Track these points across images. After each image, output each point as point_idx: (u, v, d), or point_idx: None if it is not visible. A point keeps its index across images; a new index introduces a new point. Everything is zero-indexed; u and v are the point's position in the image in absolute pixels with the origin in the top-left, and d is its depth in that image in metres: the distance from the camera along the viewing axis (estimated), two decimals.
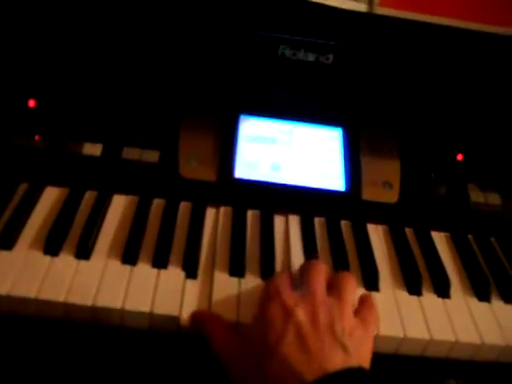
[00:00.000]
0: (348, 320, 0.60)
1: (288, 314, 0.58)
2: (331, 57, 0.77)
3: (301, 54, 0.77)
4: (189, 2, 0.75)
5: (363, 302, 0.65)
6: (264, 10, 0.75)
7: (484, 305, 0.71)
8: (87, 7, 0.75)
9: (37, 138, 0.77)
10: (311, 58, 0.78)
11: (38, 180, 0.76)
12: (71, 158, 0.76)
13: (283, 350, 0.56)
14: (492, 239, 0.81)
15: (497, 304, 0.71)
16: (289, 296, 0.60)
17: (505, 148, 0.84)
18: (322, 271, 0.64)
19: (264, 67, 0.78)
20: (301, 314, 0.58)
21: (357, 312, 0.62)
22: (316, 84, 0.80)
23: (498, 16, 0.77)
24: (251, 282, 0.68)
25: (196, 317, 0.63)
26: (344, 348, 0.56)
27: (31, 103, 0.78)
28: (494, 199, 0.81)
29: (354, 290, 0.64)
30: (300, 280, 0.64)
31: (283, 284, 0.63)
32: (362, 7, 0.76)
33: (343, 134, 0.82)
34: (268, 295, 0.62)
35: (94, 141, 0.77)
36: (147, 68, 0.79)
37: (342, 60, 0.78)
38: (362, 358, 0.58)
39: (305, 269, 0.65)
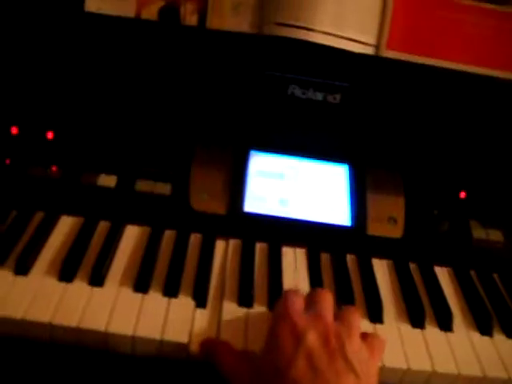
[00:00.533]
0: (357, 345, 0.60)
1: (299, 337, 0.59)
2: (339, 96, 0.80)
3: (309, 94, 0.80)
4: (202, 44, 0.78)
5: (369, 333, 0.66)
6: (275, 52, 0.78)
7: (486, 339, 0.72)
8: (105, 49, 0.79)
9: (53, 168, 0.79)
10: (319, 97, 0.81)
11: (54, 209, 0.78)
12: (86, 188, 0.79)
13: (294, 374, 0.56)
14: (494, 275, 0.82)
15: (499, 338, 0.72)
16: (299, 319, 0.61)
17: (506, 186, 0.86)
18: (329, 299, 0.66)
19: (274, 105, 0.81)
20: (311, 338, 0.59)
21: (363, 339, 0.63)
22: (324, 122, 0.83)
23: (499, 60, 0.80)
24: (259, 312, 0.70)
25: (206, 343, 0.65)
26: (355, 372, 0.57)
27: (49, 135, 0.81)
28: (496, 236, 0.83)
29: (359, 321, 0.65)
30: (308, 305, 0.65)
31: (293, 307, 0.63)
32: (369, 50, 0.79)
33: (349, 171, 0.85)
34: (278, 318, 0.62)
35: (109, 173, 0.80)
36: (162, 104, 0.82)
37: (349, 100, 0.81)
38: (371, 382, 0.59)
39: (313, 296, 0.66)
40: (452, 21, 0.79)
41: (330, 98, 0.80)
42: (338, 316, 0.65)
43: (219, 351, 0.64)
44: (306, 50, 0.77)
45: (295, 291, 0.68)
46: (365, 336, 0.64)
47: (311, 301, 0.66)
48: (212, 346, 0.64)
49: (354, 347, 0.59)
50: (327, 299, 0.66)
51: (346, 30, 0.77)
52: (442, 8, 0.78)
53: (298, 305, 0.64)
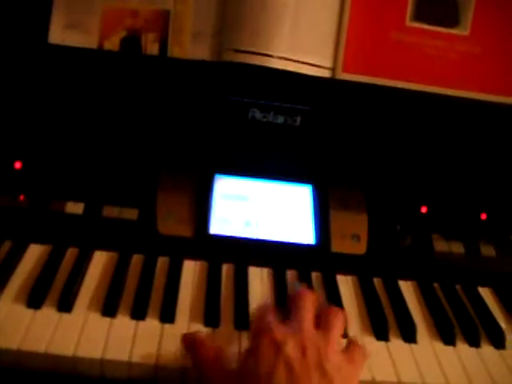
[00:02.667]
0: (336, 356, 0.61)
1: (278, 348, 0.60)
2: (299, 119, 0.83)
3: (270, 117, 0.83)
4: (163, 72, 0.81)
5: (351, 341, 0.67)
6: (235, 77, 0.80)
7: (449, 348, 0.74)
8: (69, 79, 0.80)
9: (21, 197, 0.81)
10: (280, 120, 0.83)
11: (22, 237, 0.79)
12: (54, 216, 0.80)
13: (275, 382, 0.57)
14: (457, 286, 0.84)
15: (462, 347, 0.74)
16: (278, 330, 0.62)
17: (466, 199, 0.88)
18: (311, 302, 0.67)
19: (236, 129, 0.84)
20: (290, 349, 0.59)
21: (345, 348, 0.65)
22: (286, 144, 0.85)
23: (452, 79, 0.83)
24: (225, 332, 0.71)
25: (187, 338, 0.66)
26: (331, 381, 0.58)
27: (17, 165, 0.82)
28: (458, 248, 0.86)
29: (343, 326, 0.67)
30: (290, 311, 0.66)
31: (272, 318, 0.64)
32: (325, 73, 0.82)
33: (313, 191, 0.87)
34: (257, 329, 0.63)
35: (76, 200, 0.81)
36: (126, 132, 0.84)
37: (309, 122, 0.83)
38: None
39: (294, 298, 0.68)
40: (405, 43, 0.82)
41: (290, 121, 0.83)
42: (320, 317, 0.66)
43: (198, 346, 0.65)
44: (264, 74, 0.79)
45: (271, 306, 0.69)
46: (347, 345, 0.66)
47: (292, 304, 0.67)
48: (192, 340, 0.66)
49: (332, 358, 0.61)
50: (309, 302, 0.67)
51: (303, 54, 0.80)
52: (394, 31, 0.82)
53: (275, 318, 0.65)
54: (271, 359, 0.59)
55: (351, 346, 0.66)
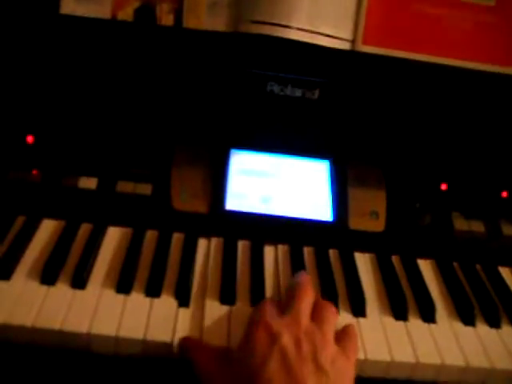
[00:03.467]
0: (330, 348, 0.61)
1: (273, 338, 0.60)
2: (317, 92, 0.81)
3: (288, 90, 0.81)
4: (179, 44, 0.79)
5: (346, 331, 0.67)
6: (252, 49, 0.78)
7: (469, 329, 0.73)
8: (82, 51, 0.79)
9: (34, 172, 0.80)
10: (298, 93, 0.81)
11: (36, 213, 0.78)
12: (67, 191, 0.79)
13: (267, 374, 0.57)
14: (477, 266, 0.83)
15: (482, 328, 0.73)
16: (274, 321, 0.62)
17: (487, 177, 0.87)
18: (308, 295, 0.67)
19: (253, 103, 0.82)
20: (285, 339, 0.60)
21: (339, 340, 0.64)
22: (303, 119, 0.83)
23: (477, 53, 0.81)
24: (241, 309, 0.70)
25: (183, 343, 0.65)
26: (326, 375, 0.58)
27: (29, 139, 0.81)
28: (478, 227, 0.84)
29: (335, 320, 0.66)
30: (286, 302, 0.66)
31: (269, 310, 0.64)
32: (345, 45, 0.79)
33: (330, 167, 0.85)
34: (254, 320, 0.64)
35: (90, 175, 0.80)
36: (141, 105, 0.82)
37: (327, 95, 0.81)
38: None
39: (292, 290, 0.67)
40: (428, 15, 0.79)
41: (308, 94, 0.81)
42: (315, 310, 0.66)
43: (194, 350, 0.64)
44: (283, 47, 0.77)
45: (270, 299, 0.69)
46: (340, 337, 0.65)
47: (290, 296, 0.67)
48: (187, 344, 0.65)
49: (327, 351, 0.61)
50: (306, 295, 0.67)
51: (322, 26, 0.77)
52: (416, 2, 0.79)
53: (273, 310, 0.65)
54: (265, 350, 0.59)
55: (345, 337, 0.66)
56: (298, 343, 0.60)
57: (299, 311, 0.64)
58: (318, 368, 0.58)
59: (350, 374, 0.62)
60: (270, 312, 0.64)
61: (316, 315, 0.65)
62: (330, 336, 0.63)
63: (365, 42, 0.79)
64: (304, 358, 0.59)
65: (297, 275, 0.72)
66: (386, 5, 0.79)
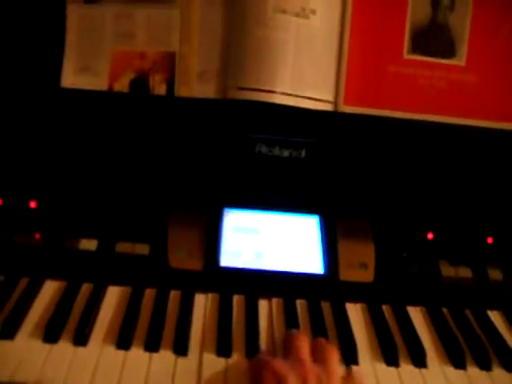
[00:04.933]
0: (337, 382, 0.63)
1: (281, 380, 0.61)
2: (304, 152, 0.85)
3: (276, 151, 0.85)
4: (171, 111, 0.84)
5: (352, 372, 0.69)
6: (241, 114, 0.83)
7: (460, 372, 0.74)
8: (81, 121, 0.83)
9: (37, 235, 0.83)
10: (286, 153, 0.85)
11: (38, 274, 0.81)
12: (69, 253, 0.82)
13: None
14: (466, 311, 0.85)
15: (472, 371, 0.74)
16: (280, 365, 0.63)
17: (472, 224, 0.89)
18: (304, 341, 0.69)
19: (244, 164, 0.86)
20: (293, 379, 0.61)
21: (345, 379, 0.66)
22: (292, 177, 0.87)
23: (454, 108, 0.85)
24: (237, 361, 0.72)
25: None
26: None
27: (32, 204, 0.85)
28: (465, 273, 0.86)
29: (337, 355, 0.68)
30: (285, 352, 0.68)
31: (270, 357, 0.66)
32: (328, 106, 0.84)
33: (320, 221, 0.89)
34: (258, 366, 0.65)
35: (90, 237, 0.84)
36: (136, 170, 0.86)
37: (314, 154, 0.85)
38: None
39: (288, 340, 0.70)
40: (403, 75, 0.85)
41: (295, 154, 0.85)
42: (315, 355, 0.68)
43: None
44: (269, 110, 0.82)
45: (267, 351, 0.71)
46: (347, 376, 0.67)
47: (287, 347, 0.69)
48: None
49: None
50: (302, 341, 0.69)
51: (305, 89, 0.83)
52: (392, 64, 0.84)
53: (274, 357, 0.67)
54: None
55: (351, 377, 0.67)
56: (305, 381, 0.61)
57: (301, 354, 0.66)
58: None
59: None
60: (272, 358, 0.66)
61: (318, 356, 0.67)
62: (336, 373, 0.65)
63: (346, 103, 0.85)
64: None
65: (289, 332, 0.74)
66: (364, 67, 0.84)
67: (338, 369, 0.66)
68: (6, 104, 0.82)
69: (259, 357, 0.68)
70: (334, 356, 0.67)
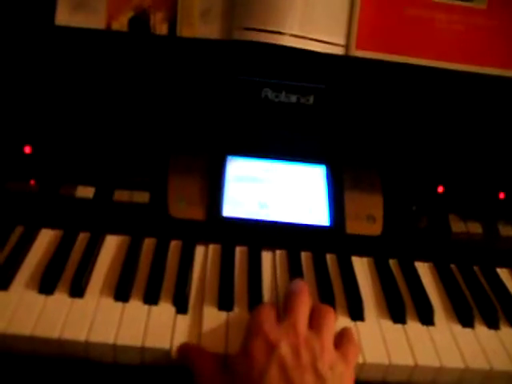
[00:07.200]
0: (329, 354, 0.61)
1: (271, 348, 0.60)
2: (312, 98, 0.81)
3: (283, 97, 0.81)
4: (173, 52, 0.79)
5: (344, 335, 0.67)
6: (246, 56, 0.79)
7: (468, 331, 0.73)
8: (77, 61, 0.79)
9: (32, 182, 0.80)
10: (293, 99, 0.81)
11: (34, 222, 0.79)
12: (65, 200, 0.79)
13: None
14: (475, 267, 0.83)
15: (480, 330, 0.73)
16: (272, 331, 0.62)
17: (483, 178, 0.87)
18: (305, 302, 0.66)
19: (248, 109, 0.82)
20: (284, 349, 0.60)
21: (337, 346, 0.64)
22: (299, 124, 0.83)
23: (470, 55, 0.81)
24: (239, 315, 0.70)
25: (183, 350, 0.65)
26: (326, 382, 0.58)
27: (27, 149, 0.82)
28: (476, 228, 0.84)
29: (334, 325, 0.66)
30: (283, 310, 0.66)
31: (266, 318, 0.64)
32: (339, 50, 0.80)
33: (327, 171, 0.86)
34: (251, 329, 0.63)
35: (87, 184, 0.81)
36: (135, 114, 0.83)
37: (322, 101, 0.82)
38: None
39: (289, 296, 0.67)
40: (420, 18, 0.80)
41: (303, 100, 0.81)
42: (313, 317, 0.66)
43: (196, 359, 0.64)
44: (276, 53, 0.78)
45: (268, 304, 0.69)
46: (339, 342, 0.65)
47: (286, 305, 0.67)
48: (189, 353, 0.65)
49: (326, 358, 0.61)
50: (303, 302, 0.67)
51: (315, 31, 0.78)
52: (409, 6, 0.80)
53: (270, 317, 0.65)
54: (264, 360, 0.59)
55: (344, 342, 0.65)
56: (296, 352, 0.60)
57: (296, 319, 0.64)
58: (318, 376, 0.58)
59: (349, 380, 0.62)
60: (267, 321, 0.64)
61: (314, 322, 0.65)
62: (329, 342, 0.63)
63: (358, 47, 0.80)
64: (303, 367, 0.59)
65: (293, 283, 0.72)
66: (379, 9, 0.79)
67: (331, 335, 0.64)
68: None
69: (254, 318, 0.65)
70: (330, 324, 0.65)
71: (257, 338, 0.61)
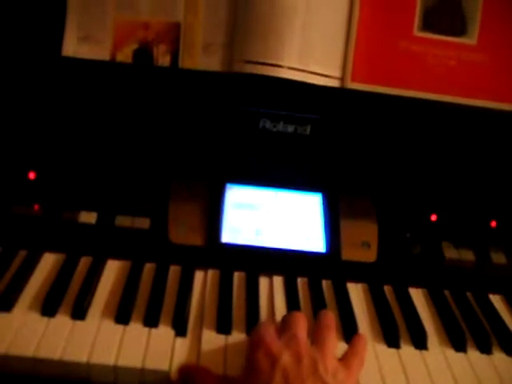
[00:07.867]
0: (331, 362, 0.62)
1: (274, 359, 0.61)
2: (308, 128, 0.84)
3: (280, 127, 0.84)
4: (175, 83, 0.82)
5: (350, 348, 0.68)
6: (246, 88, 0.81)
7: (460, 355, 0.74)
8: (82, 92, 0.82)
9: (35, 207, 0.82)
10: (290, 129, 0.84)
11: (37, 246, 0.81)
12: (68, 225, 0.81)
13: None
14: (468, 293, 0.84)
15: (473, 354, 0.74)
16: (274, 343, 0.63)
17: (476, 206, 0.89)
18: (303, 321, 0.68)
19: (247, 139, 0.84)
20: (286, 359, 0.60)
21: (342, 358, 0.65)
22: (296, 153, 0.86)
23: (462, 88, 0.84)
24: (238, 338, 0.71)
25: (185, 369, 0.66)
26: None
27: (31, 175, 0.84)
28: (468, 255, 0.86)
29: (335, 337, 0.67)
30: (282, 329, 0.67)
31: (267, 332, 0.65)
32: (335, 82, 0.83)
33: (323, 199, 0.88)
34: (254, 344, 0.64)
35: (89, 209, 0.83)
36: (138, 142, 0.85)
37: (318, 131, 0.84)
38: None
39: (287, 319, 0.69)
40: (413, 53, 0.83)
41: (300, 130, 0.84)
42: (314, 335, 0.67)
43: (198, 376, 0.65)
44: (274, 84, 0.80)
45: (269, 320, 0.71)
46: (344, 355, 0.66)
47: (285, 324, 0.68)
48: (191, 372, 0.66)
49: (328, 365, 0.61)
50: (300, 320, 0.68)
51: (312, 64, 0.81)
52: (402, 40, 0.83)
53: (271, 331, 0.66)
54: (267, 372, 0.60)
55: (349, 354, 0.67)
56: (298, 360, 0.61)
57: (296, 330, 0.65)
58: (320, 381, 0.59)
59: None
60: (268, 334, 0.65)
61: (315, 335, 0.66)
62: (331, 351, 0.64)
63: (353, 80, 0.83)
64: (305, 373, 0.59)
65: (290, 312, 0.73)
66: (373, 43, 0.82)
67: (333, 349, 0.65)
68: (6, 72, 0.80)
69: (255, 333, 0.66)
70: (331, 336, 0.67)
71: (259, 351, 0.62)
